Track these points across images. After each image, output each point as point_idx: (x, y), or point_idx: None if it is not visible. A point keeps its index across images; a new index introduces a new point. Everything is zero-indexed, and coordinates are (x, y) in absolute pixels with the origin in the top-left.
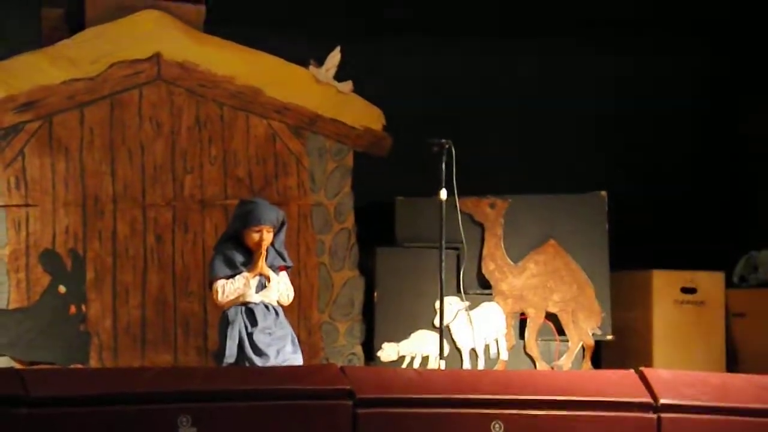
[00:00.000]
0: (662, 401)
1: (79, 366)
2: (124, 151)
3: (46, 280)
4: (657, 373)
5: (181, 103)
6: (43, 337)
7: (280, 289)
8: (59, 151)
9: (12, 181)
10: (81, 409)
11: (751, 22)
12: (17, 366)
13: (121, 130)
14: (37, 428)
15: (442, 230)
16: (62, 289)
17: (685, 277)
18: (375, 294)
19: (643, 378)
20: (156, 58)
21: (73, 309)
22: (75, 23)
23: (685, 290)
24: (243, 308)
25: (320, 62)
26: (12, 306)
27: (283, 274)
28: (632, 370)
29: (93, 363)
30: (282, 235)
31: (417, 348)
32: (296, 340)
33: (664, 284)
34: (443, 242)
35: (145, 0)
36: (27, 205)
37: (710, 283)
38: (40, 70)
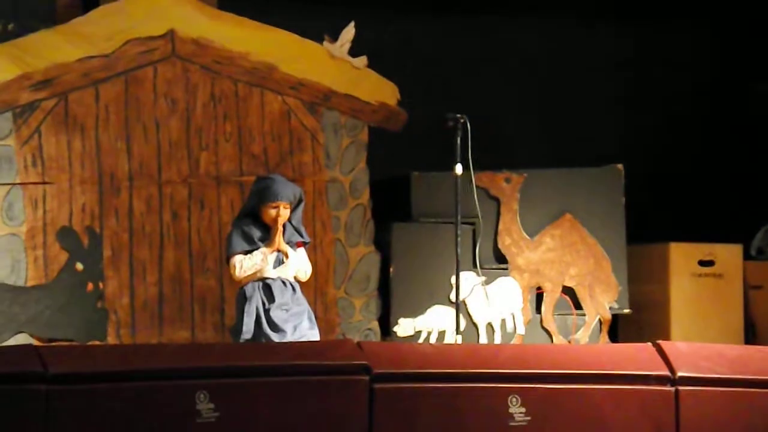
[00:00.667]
0: (680, 374)
1: (97, 343)
2: (140, 128)
3: (63, 257)
4: (674, 346)
5: (196, 79)
6: (61, 314)
7: (298, 265)
8: (75, 129)
9: (29, 159)
10: (99, 386)
11: None
12: (35, 343)
13: (136, 107)
14: (56, 405)
15: (458, 205)
16: (79, 266)
17: (703, 249)
18: (391, 269)
19: (661, 351)
20: (170, 34)
21: (90, 286)
22: (90, 1)
23: (703, 263)
24: (260, 284)
25: (334, 37)
26: (30, 283)
27: (301, 250)
28: (649, 344)
29: (111, 340)
30: (299, 212)
31: (433, 323)
32: (313, 316)
33: (682, 257)
34: (459, 217)
35: None
36: (44, 183)
37: (728, 255)
38: (55, 47)
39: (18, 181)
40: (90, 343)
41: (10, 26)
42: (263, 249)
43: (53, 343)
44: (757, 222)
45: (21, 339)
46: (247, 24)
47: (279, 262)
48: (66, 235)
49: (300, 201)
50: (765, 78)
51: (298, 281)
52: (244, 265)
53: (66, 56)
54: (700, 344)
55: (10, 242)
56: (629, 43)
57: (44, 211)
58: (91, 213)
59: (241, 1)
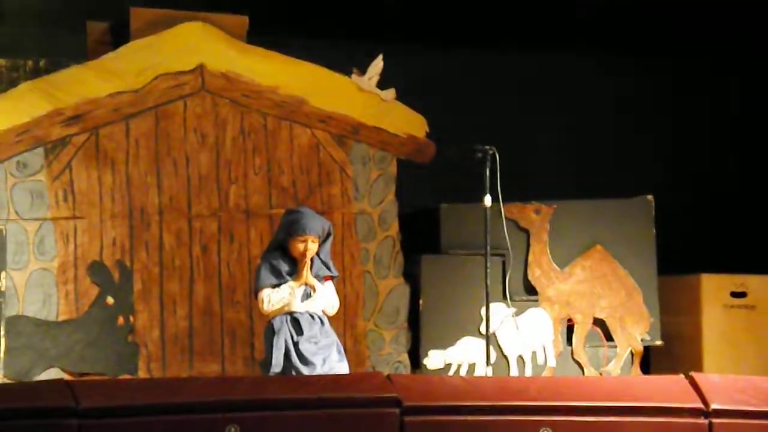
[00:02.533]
0: (713, 406)
1: (128, 377)
2: (170, 162)
3: (94, 291)
4: (707, 378)
5: (225, 113)
6: (92, 348)
7: (326, 299)
8: (106, 164)
9: (60, 194)
10: (130, 420)
11: None
12: (67, 377)
13: (166, 141)
14: None
15: (487, 237)
16: (110, 300)
17: (735, 280)
18: (420, 301)
19: (693, 383)
20: (200, 69)
21: (121, 320)
22: (119, 36)
23: (735, 294)
24: (288, 317)
25: (363, 71)
26: (61, 318)
27: (329, 284)
28: (682, 375)
29: (141, 373)
30: (328, 245)
31: (463, 355)
32: (342, 349)
33: (714, 288)
34: (488, 249)
35: (188, 12)
36: (75, 218)
37: (760, 286)
38: (85, 83)
39: (49, 216)
40: (121, 376)
41: (42, 62)
42: (291, 283)
43: (84, 378)
44: None
45: (53, 373)
46: (276, 58)
47: (307, 296)
48: (97, 269)
49: (328, 234)
50: None
51: (327, 315)
52: (272, 298)
53: (96, 92)
54: (733, 376)
55: (41, 277)
56: (660, 74)
57: (75, 246)
58: (121, 247)
59: (269, 36)
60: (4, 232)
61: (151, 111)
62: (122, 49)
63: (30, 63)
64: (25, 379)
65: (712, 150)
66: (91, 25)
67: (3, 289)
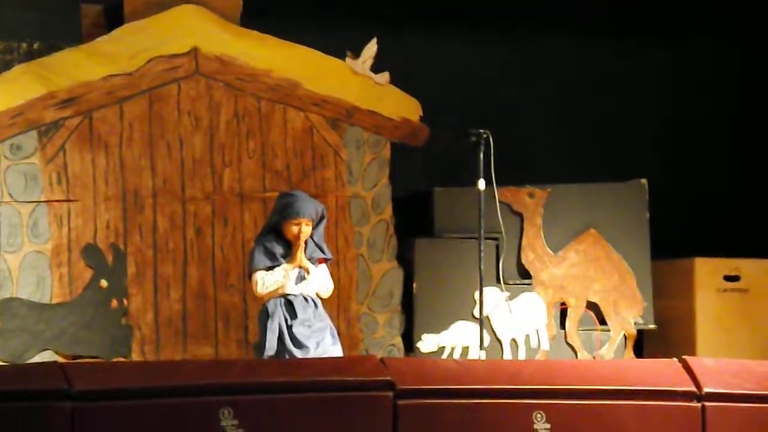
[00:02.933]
0: (706, 390)
1: (122, 359)
2: (163, 145)
3: (88, 274)
4: (700, 362)
5: (219, 97)
6: (86, 331)
7: (319, 281)
8: (99, 147)
9: (53, 177)
10: (124, 403)
11: None
12: (60, 360)
13: (159, 124)
14: (81, 422)
15: (481, 220)
16: (104, 283)
17: (728, 264)
18: (414, 285)
19: (687, 367)
20: (194, 52)
21: (114, 303)
22: (114, 19)
23: (729, 278)
24: (282, 300)
25: (357, 54)
26: (55, 301)
27: (323, 266)
28: (675, 359)
29: (135, 356)
30: (321, 228)
31: (457, 339)
32: (335, 332)
33: (707, 272)
34: (482, 232)
35: None
36: (68, 201)
37: (754, 270)
38: (79, 66)
39: (43, 198)
40: (114, 359)
41: (36, 45)
42: (285, 265)
43: (78, 360)
44: None
45: (46, 356)
46: (270, 41)
47: (301, 279)
48: (91, 252)
49: (322, 218)
50: None
51: (320, 297)
52: (266, 281)
53: (90, 75)
54: (726, 360)
55: (35, 260)
56: (654, 59)
57: (69, 229)
58: (115, 230)
59: (263, 19)
60: None
61: (144, 94)
62: (116, 32)
63: (24, 46)
64: (18, 361)
65: (705, 134)
66: (85, 8)
67: None
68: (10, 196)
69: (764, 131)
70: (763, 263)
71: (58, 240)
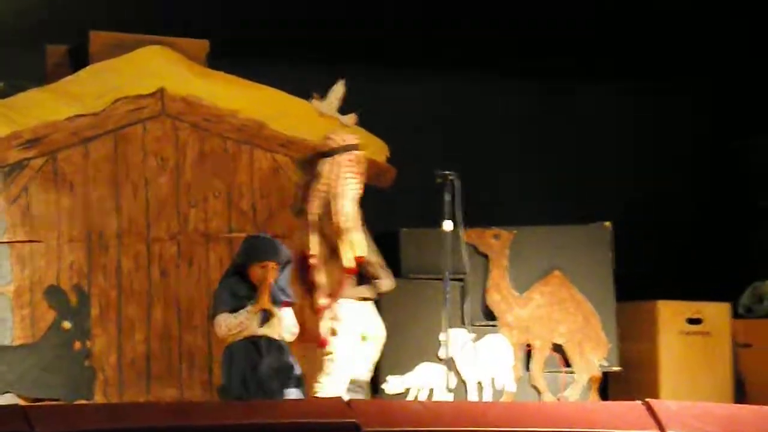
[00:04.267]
0: None
1: (84, 402)
2: (129, 186)
3: (50, 316)
4: (664, 405)
5: (186, 137)
6: (48, 373)
7: (284, 324)
8: (64, 187)
9: (17, 217)
10: None
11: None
12: (21, 403)
13: (125, 165)
14: None
15: (447, 262)
16: (67, 324)
17: (691, 307)
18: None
19: (650, 409)
20: (160, 93)
21: (78, 345)
22: (79, 59)
23: (691, 321)
24: (247, 342)
25: (323, 95)
26: (16, 342)
27: (287, 309)
28: (639, 402)
29: (98, 399)
30: (287, 272)
31: (423, 381)
32: (300, 374)
33: (670, 315)
34: (448, 274)
35: (149, 36)
36: (31, 241)
37: (716, 313)
38: (44, 106)
39: (5, 239)
40: (77, 402)
41: (0, 85)
42: (249, 308)
43: (40, 403)
44: (745, 280)
45: (8, 399)
46: (237, 82)
47: (265, 321)
48: (53, 293)
49: (288, 261)
50: (750, 135)
51: (285, 341)
52: (229, 323)
53: (55, 115)
54: (689, 403)
55: None
56: (621, 101)
57: (32, 270)
58: (79, 271)
59: (230, 60)
60: None
61: (110, 134)
62: (82, 73)
63: None
64: None
65: (671, 177)
66: (50, 48)
67: None
68: None
69: (726, 175)
70: (724, 307)
71: (20, 281)
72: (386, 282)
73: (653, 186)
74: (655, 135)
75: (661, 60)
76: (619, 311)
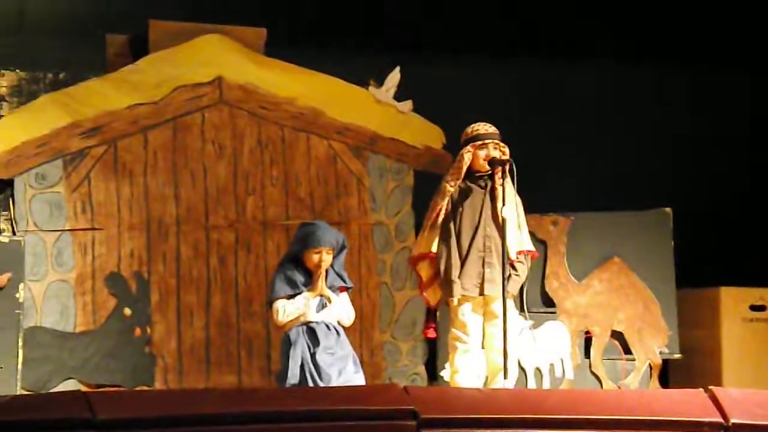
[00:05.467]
0: (733, 421)
1: (145, 388)
2: (187, 173)
3: (111, 303)
4: (727, 393)
5: (243, 125)
6: (109, 359)
7: (340, 310)
8: (124, 175)
9: (78, 206)
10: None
11: None
12: (84, 389)
13: (183, 153)
14: None
15: (504, 248)
16: (127, 311)
17: (754, 294)
18: (437, 313)
19: (713, 397)
20: (218, 81)
21: (138, 331)
22: (138, 49)
23: (754, 308)
24: (304, 328)
25: (380, 82)
26: (78, 329)
27: (344, 295)
28: (701, 390)
29: (158, 385)
30: (342, 257)
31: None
32: (358, 360)
33: (733, 302)
34: (506, 260)
35: (207, 25)
36: (93, 229)
37: None
38: (104, 95)
39: (68, 227)
40: (138, 388)
41: (62, 75)
42: (306, 294)
43: (101, 389)
44: None
45: (70, 385)
46: (293, 70)
47: (322, 307)
48: (114, 280)
49: (343, 247)
50: None
51: (342, 326)
52: (287, 309)
53: (115, 104)
54: (752, 390)
55: (59, 288)
56: (680, 85)
57: (93, 257)
58: (139, 258)
59: (287, 48)
60: (22, 243)
61: (169, 123)
62: (141, 62)
63: (50, 76)
64: (42, 390)
65: (731, 162)
66: (110, 38)
67: (21, 300)
68: (35, 225)
69: None
70: None
71: (82, 269)
72: None
73: (714, 170)
74: (714, 118)
75: (718, 40)
76: (680, 298)
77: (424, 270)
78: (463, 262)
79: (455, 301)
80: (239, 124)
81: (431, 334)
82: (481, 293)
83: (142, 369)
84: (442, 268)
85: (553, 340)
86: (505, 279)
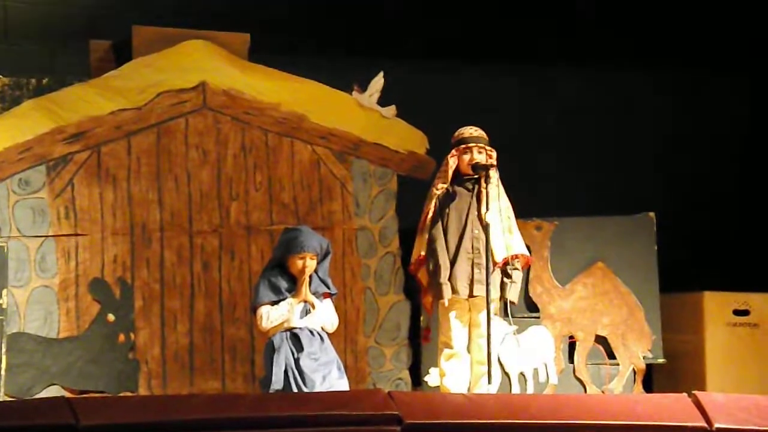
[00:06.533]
0: (717, 425)
1: (129, 394)
2: (171, 179)
3: (95, 309)
4: (711, 397)
5: (227, 130)
6: (93, 365)
7: (324, 316)
8: (107, 181)
9: (62, 211)
10: None
11: None
12: (67, 395)
13: (167, 158)
14: None
15: (488, 253)
16: (111, 317)
17: (738, 298)
18: (422, 318)
19: (697, 402)
20: (202, 86)
21: (122, 337)
22: (122, 54)
23: (738, 312)
24: (288, 334)
25: (363, 87)
26: (62, 335)
27: (327, 301)
28: (685, 394)
29: (142, 391)
30: (326, 263)
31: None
32: (342, 366)
33: (716, 306)
34: (489, 265)
35: (190, 30)
36: (76, 235)
37: (763, 304)
38: (88, 101)
39: (51, 233)
40: (121, 394)
41: (45, 81)
42: (290, 300)
43: (85, 395)
44: None
45: (53, 391)
46: (277, 75)
47: (306, 313)
48: (98, 286)
49: (327, 253)
50: None
51: (326, 332)
52: (270, 315)
53: (99, 109)
54: (736, 395)
55: (42, 294)
56: (664, 90)
57: (76, 263)
58: (122, 264)
59: (271, 53)
60: (5, 249)
61: (153, 128)
62: (125, 67)
63: (33, 81)
64: (26, 396)
65: (715, 167)
66: (94, 44)
67: (4, 306)
68: (18, 231)
69: None
70: None
71: (65, 274)
72: None
73: (697, 175)
74: (696, 122)
75: (699, 44)
76: (664, 303)
77: (424, 276)
78: (452, 264)
79: (446, 302)
80: (223, 130)
81: (427, 340)
82: (471, 294)
83: (125, 375)
84: (431, 270)
85: (537, 345)
86: (490, 281)
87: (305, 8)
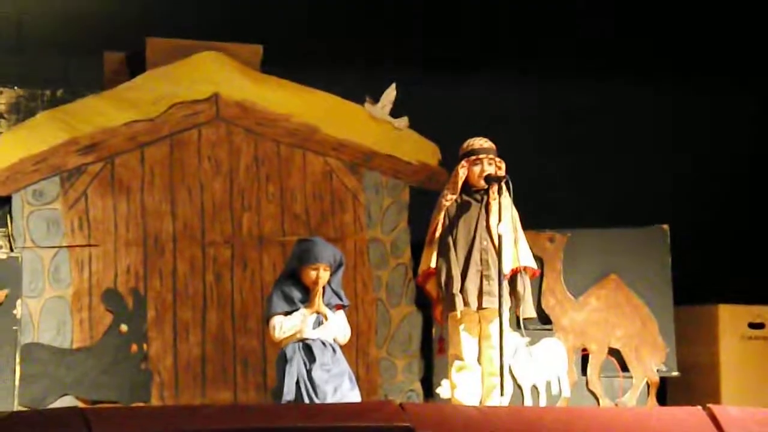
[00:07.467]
0: None
1: (141, 404)
2: (184, 190)
3: (108, 319)
4: (725, 411)
5: (240, 141)
6: (106, 375)
7: (337, 327)
8: (121, 192)
9: (75, 222)
10: None
11: None
12: (81, 405)
13: (180, 169)
14: None
15: (500, 264)
16: (124, 328)
17: (753, 311)
18: (434, 329)
19: (711, 415)
20: (215, 98)
21: (134, 347)
22: (135, 66)
23: (753, 325)
24: (300, 345)
25: (376, 99)
26: (75, 345)
27: (340, 313)
28: (699, 407)
29: (154, 401)
30: (339, 275)
31: None
32: (353, 377)
33: (731, 319)
34: (502, 277)
35: (203, 42)
36: (90, 246)
37: None
38: (102, 112)
39: (65, 243)
40: (134, 404)
41: (59, 92)
42: (303, 310)
43: (98, 405)
44: None
45: (67, 401)
46: (289, 86)
47: (318, 324)
48: (111, 297)
49: (340, 264)
50: None
51: (338, 343)
52: (283, 326)
53: (112, 121)
54: (751, 409)
55: (56, 304)
56: (677, 101)
57: (90, 274)
58: (135, 274)
59: (283, 65)
60: (20, 259)
61: (166, 139)
62: (138, 79)
63: (48, 93)
64: (39, 406)
65: (729, 179)
66: (108, 56)
67: (18, 316)
68: (32, 241)
69: None
70: None
71: (79, 285)
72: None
73: (712, 187)
74: (713, 135)
75: (720, 59)
76: (678, 315)
77: (433, 287)
78: (462, 276)
79: (458, 314)
80: (235, 141)
81: (442, 351)
82: (480, 307)
83: (138, 385)
84: (443, 282)
85: (549, 358)
86: (502, 293)
87: (317, 20)
